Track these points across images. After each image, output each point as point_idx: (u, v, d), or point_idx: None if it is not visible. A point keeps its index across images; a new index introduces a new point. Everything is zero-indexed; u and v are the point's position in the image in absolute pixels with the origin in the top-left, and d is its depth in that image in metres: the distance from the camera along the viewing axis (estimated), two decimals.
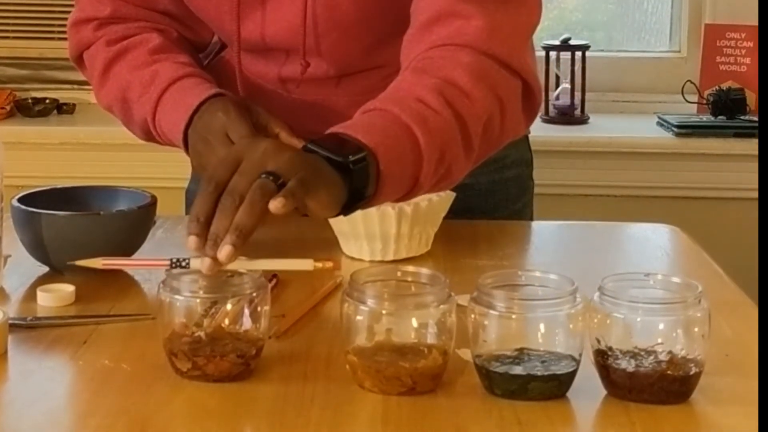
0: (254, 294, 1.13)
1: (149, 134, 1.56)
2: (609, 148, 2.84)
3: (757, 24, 2.89)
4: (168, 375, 1.13)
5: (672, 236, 1.67)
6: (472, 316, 1.10)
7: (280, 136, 1.43)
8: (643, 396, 1.08)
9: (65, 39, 1.66)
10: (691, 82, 2.95)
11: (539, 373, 1.08)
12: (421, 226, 1.49)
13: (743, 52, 2.96)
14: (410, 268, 1.17)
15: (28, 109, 2.93)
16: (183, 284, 1.13)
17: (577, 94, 2.96)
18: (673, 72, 3.04)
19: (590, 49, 2.97)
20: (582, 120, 2.97)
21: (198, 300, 1.13)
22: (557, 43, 2.96)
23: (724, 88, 2.93)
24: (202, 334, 1.12)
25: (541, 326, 1.09)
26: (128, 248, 1.40)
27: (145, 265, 1.19)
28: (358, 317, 1.10)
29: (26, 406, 1.08)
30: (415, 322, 1.10)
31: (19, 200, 1.43)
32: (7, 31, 3.02)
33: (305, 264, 1.18)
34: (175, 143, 1.50)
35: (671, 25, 3.11)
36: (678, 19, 3.09)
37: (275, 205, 1.12)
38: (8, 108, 2.91)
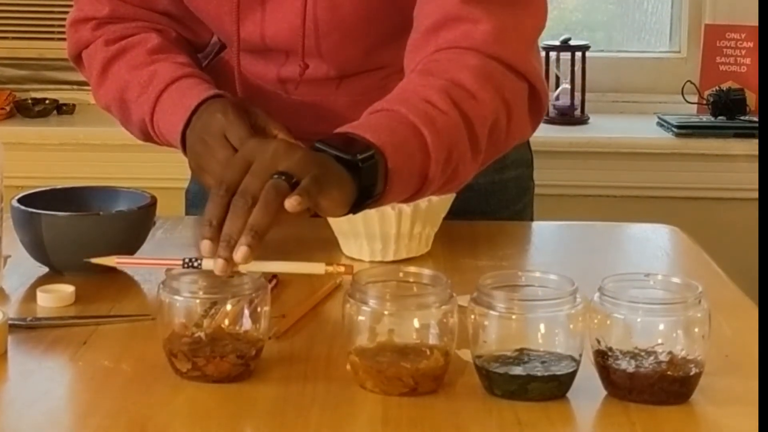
0: (254, 294, 1.13)
1: (147, 134, 1.56)
2: (609, 148, 2.84)
3: (757, 24, 2.89)
4: (168, 375, 1.13)
5: (672, 236, 1.67)
6: (472, 316, 1.10)
7: (278, 138, 1.42)
8: (643, 396, 1.08)
9: (65, 39, 1.65)
10: (691, 83, 2.95)
11: (539, 374, 1.08)
12: (421, 226, 1.49)
13: (743, 52, 2.96)
14: (412, 268, 1.17)
15: (27, 110, 2.93)
16: (183, 285, 1.13)
17: (577, 95, 2.96)
18: (673, 72, 3.04)
19: (590, 49, 2.97)
20: (582, 120, 2.97)
21: (198, 300, 1.13)
22: (557, 43, 2.96)
23: (724, 89, 2.93)
24: (201, 334, 1.12)
25: (541, 327, 1.09)
26: (128, 249, 1.40)
27: (158, 264, 1.18)
28: (360, 318, 1.10)
29: (26, 406, 1.08)
30: (416, 323, 1.10)
31: (19, 201, 1.42)
32: (6, 31, 3.02)
33: (317, 268, 1.18)
34: (173, 144, 1.50)
35: (671, 26, 3.11)
36: (678, 19, 3.09)
37: (291, 203, 1.12)
38: (8, 108, 2.91)
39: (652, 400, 1.08)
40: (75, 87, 2.96)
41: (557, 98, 2.97)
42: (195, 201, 1.73)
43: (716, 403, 1.09)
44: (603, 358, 1.09)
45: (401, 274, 1.17)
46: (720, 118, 2.90)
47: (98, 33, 1.60)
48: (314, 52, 1.54)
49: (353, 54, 1.55)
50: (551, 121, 2.94)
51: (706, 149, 2.83)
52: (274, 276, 1.36)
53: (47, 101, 2.95)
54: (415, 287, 1.15)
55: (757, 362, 1.14)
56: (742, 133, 2.83)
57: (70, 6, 1.65)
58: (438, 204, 1.50)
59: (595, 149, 2.84)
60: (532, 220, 1.76)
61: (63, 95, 2.99)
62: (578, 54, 2.95)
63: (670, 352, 1.08)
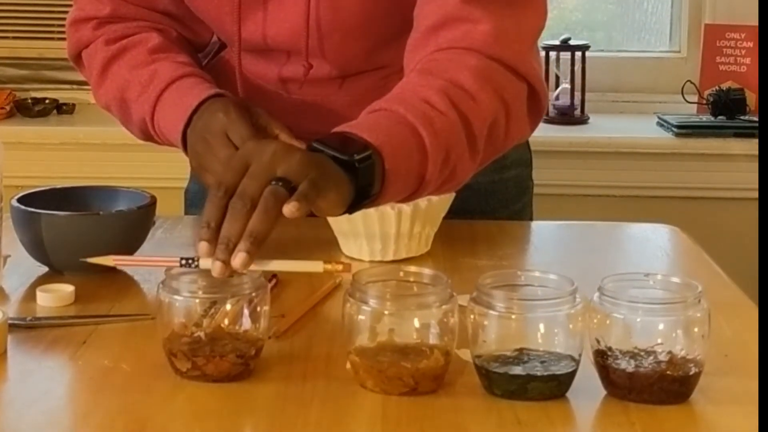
0: (254, 294, 1.13)
1: (147, 134, 1.56)
2: (609, 148, 2.84)
3: (756, 24, 2.89)
4: (167, 375, 1.13)
5: (672, 236, 1.67)
6: (472, 316, 1.10)
7: (280, 138, 1.42)
8: (643, 396, 1.08)
9: (65, 39, 1.65)
10: (691, 83, 2.95)
11: (539, 374, 1.08)
12: (421, 226, 1.49)
13: (743, 52, 2.96)
14: (412, 268, 1.17)
15: (27, 109, 2.93)
16: (182, 284, 1.13)
17: (577, 94, 2.96)
18: (672, 72, 3.05)
19: (590, 49, 2.97)
20: (582, 120, 2.97)
21: (197, 300, 1.13)
22: (557, 43, 2.96)
23: (724, 88, 2.93)
24: (201, 334, 1.12)
25: (541, 326, 1.09)
26: (128, 248, 1.40)
27: (155, 264, 1.18)
28: (360, 317, 1.10)
29: (26, 406, 1.08)
30: (417, 323, 1.10)
31: (19, 200, 1.42)
32: (6, 31, 3.02)
33: (314, 266, 1.18)
34: (174, 143, 1.50)
35: (671, 25, 3.11)
36: (678, 19, 3.09)
37: (290, 209, 1.12)
38: (8, 108, 2.91)
39: (652, 400, 1.08)
40: (75, 87, 2.96)
41: (557, 98, 2.97)
42: (194, 200, 1.73)
43: (716, 402, 1.09)
44: (603, 358, 1.09)
45: (401, 274, 1.17)
46: (720, 117, 2.90)
47: (99, 32, 1.60)
48: (317, 52, 1.54)
49: (355, 54, 1.55)
50: (551, 121, 2.94)
51: (705, 149, 2.83)
52: (274, 276, 1.36)
53: (47, 101, 2.95)
54: (416, 287, 1.15)
55: (756, 362, 1.14)
56: (741, 133, 2.83)
57: (70, 6, 1.65)
58: (438, 204, 1.50)
59: (595, 149, 2.84)
60: (531, 219, 1.76)
61: (63, 95, 2.99)
62: (578, 54, 2.95)
63: (669, 352, 1.08)
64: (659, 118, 2.93)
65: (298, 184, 1.14)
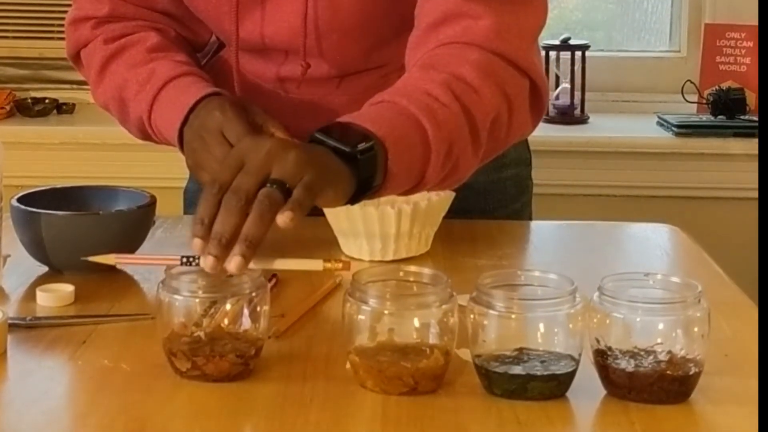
0: (253, 294, 1.13)
1: (145, 132, 1.56)
2: (609, 147, 2.84)
3: (756, 24, 2.89)
4: (167, 375, 1.13)
5: (672, 236, 1.67)
6: (472, 315, 1.10)
7: (273, 137, 1.42)
8: (643, 396, 1.08)
9: (65, 39, 1.65)
10: (691, 82, 2.95)
11: (539, 373, 1.08)
12: (421, 225, 1.49)
13: (743, 51, 2.96)
14: (412, 268, 1.17)
15: (27, 109, 2.93)
16: (182, 284, 1.13)
17: (577, 94, 2.96)
18: (672, 72, 3.05)
19: (590, 48, 2.97)
20: (582, 120, 2.97)
21: (197, 300, 1.13)
22: (557, 42, 2.96)
23: (724, 88, 2.93)
24: (201, 333, 1.12)
25: (541, 326, 1.09)
26: (128, 248, 1.40)
27: (156, 262, 1.18)
28: (360, 317, 1.10)
29: (26, 405, 1.08)
30: (417, 322, 1.10)
31: (19, 200, 1.42)
32: (6, 30, 3.02)
33: (314, 264, 1.18)
34: (171, 142, 1.50)
35: (671, 25, 3.11)
36: (678, 18, 3.09)
37: (283, 220, 1.12)
38: (8, 108, 2.91)
39: (652, 400, 1.08)
40: (75, 86, 2.96)
41: (557, 97, 2.97)
42: (193, 200, 1.73)
43: (715, 402, 1.09)
44: (602, 358, 1.09)
45: (401, 274, 1.17)
46: (720, 117, 2.90)
47: (97, 32, 1.60)
48: (315, 51, 1.54)
49: (353, 53, 1.55)
50: (551, 121, 2.95)
51: (705, 149, 2.83)
52: (274, 275, 1.36)
53: (47, 100, 2.95)
54: (415, 286, 1.15)
55: (756, 362, 1.14)
56: (741, 133, 2.83)
57: (70, 5, 1.65)
58: (438, 203, 1.50)
59: (595, 149, 2.84)
60: (530, 219, 1.76)
61: (63, 95, 2.99)
62: (578, 53, 2.95)
63: (669, 352, 1.08)
64: (659, 117, 2.93)
65: (293, 186, 1.14)
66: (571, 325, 1.09)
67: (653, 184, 2.86)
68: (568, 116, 2.96)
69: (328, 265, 1.17)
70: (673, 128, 2.85)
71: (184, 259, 1.15)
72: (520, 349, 1.09)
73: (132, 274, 1.42)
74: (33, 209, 1.40)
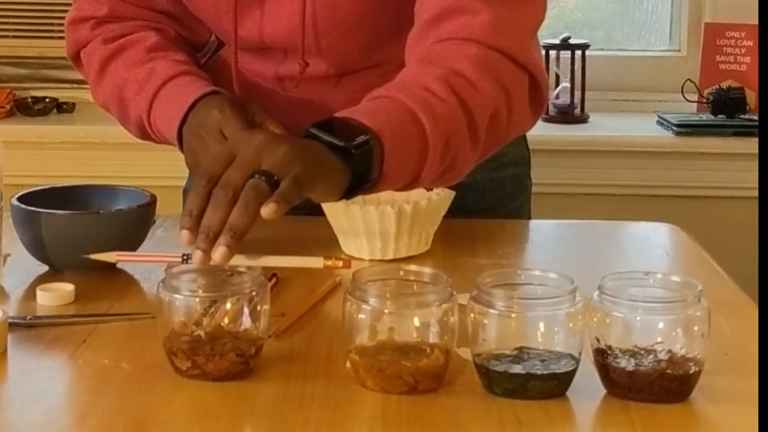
0: (254, 293, 1.13)
1: (144, 132, 1.56)
2: (609, 147, 2.84)
3: (756, 23, 2.89)
4: (167, 374, 1.13)
5: (672, 235, 1.67)
6: (472, 315, 1.10)
7: (265, 130, 1.42)
8: (643, 395, 1.08)
9: (64, 38, 1.65)
10: (691, 81, 2.95)
11: (539, 372, 1.08)
12: (421, 224, 1.49)
13: (743, 51, 2.96)
14: (412, 267, 1.17)
15: (27, 108, 2.93)
16: (182, 283, 1.13)
17: (577, 93, 2.96)
18: (672, 71, 3.04)
19: (590, 48, 2.97)
20: (582, 119, 2.97)
21: (197, 299, 1.13)
22: (557, 42, 2.96)
23: (724, 87, 2.93)
24: (201, 333, 1.12)
25: (541, 325, 1.09)
26: (128, 247, 1.40)
27: (157, 260, 1.18)
28: (361, 316, 1.10)
29: (26, 405, 1.08)
30: (417, 321, 1.10)
31: (19, 199, 1.43)
32: (6, 30, 3.02)
33: (315, 262, 1.18)
34: (170, 141, 1.50)
35: (671, 24, 3.11)
36: (678, 17, 3.09)
37: (266, 211, 1.12)
38: (8, 107, 2.91)
39: (652, 399, 1.08)
40: (75, 85, 2.96)
41: (557, 97, 2.97)
42: None
43: (716, 401, 1.09)
44: (602, 357, 1.09)
45: (402, 273, 1.17)
46: (720, 116, 2.90)
47: (97, 32, 1.60)
48: (313, 50, 1.54)
49: (352, 52, 1.55)
50: (551, 120, 2.95)
51: (705, 148, 2.83)
52: (274, 274, 1.36)
53: (47, 100, 2.95)
54: (416, 285, 1.15)
55: (756, 361, 1.14)
56: (741, 132, 2.83)
57: (70, 5, 1.65)
58: (438, 202, 1.50)
59: (595, 148, 2.84)
60: (529, 218, 1.76)
61: (63, 94, 2.98)
62: (578, 53, 2.95)
63: (669, 351, 1.08)
64: (659, 116, 2.93)
65: (281, 179, 1.14)
66: (571, 324, 1.09)
67: (653, 184, 2.86)
68: (568, 115, 2.96)
69: (329, 262, 1.17)
70: (673, 127, 2.85)
71: (185, 257, 1.15)
72: (521, 348, 1.09)
73: (132, 273, 1.42)
74: (33, 208, 1.40)
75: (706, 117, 2.90)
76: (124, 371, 1.15)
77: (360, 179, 1.24)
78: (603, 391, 1.10)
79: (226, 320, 1.13)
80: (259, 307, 1.13)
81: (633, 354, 1.08)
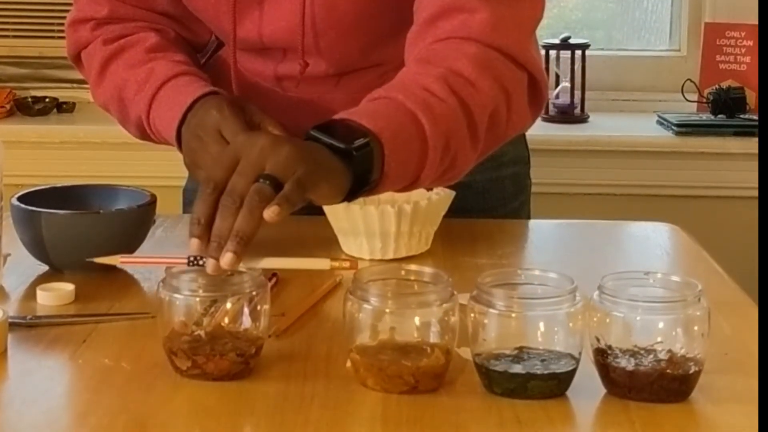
0: (254, 293, 1.13)
1: (144, 132, 1.56)
2: (609, 146, 2.84)
3: (756, 23, 2.89)
4: (168, 374, 1.13)
5: (672, 235, 1.67)
6: (472, 314, 1.10)
7: (267, 133, 1.42)
8: (643, 395, 1.08)
9: (65, 38, 1.66)
10: (691, 81, 2.95)
11: (539, 372, 1.08)
12: (421, 224, 1.49)
13: (743, 50, 2.96)
14: (413, 266, 1.17)
15: (27, 108, 2.93)
16: (182, 283, 1.13)
17: (577, 93, 2.96)
18: (672, 71, 3.05)
19: (590, 47, 2.97)
20: (582, 119, 2.97)
21: (197, 299, 1.13)
22: (557, 41, 2.96)
23: (724, 87, 2.93)
24: (201, 332, 1.12)
25: (541, 325, 1.09)
26: (128, 247, 1.40)
27: (162, 263, 1.19)
28: (361, 315, 1.10)
29: (26, 404, 1.08)
30: (417, 321, 1.10)
31: (19, 199, 1.43)
32: (6, 29, 3.02)
33: (322, 263, 1.18)
34: (169, 141, 1.50)
35: (671, 24, 3.11)
36: (678, 17, 3.09)
37: (269, 214, 1.12)
38: (8, 107, 2.91)
39: (652, 399, 1.08)
40: (75, 85, 2.96)
41: (557, 96, 2.97)
42: (193, 199, 1.71)
43: (716, 401, 1.09)
44: (602, 357, 1.09)
45: (403, 272, 1.17)
46: (720, 116, 2.90)
47: (97, 33, 1.60)
48: (313, 50, 1.54)
49: (351, 51, 1.55)
50: (551, 120, 2.95)
51: (705, 148, 2.83)
52: (274, 274, 1.36)
53: (47, 99, 2.95)
54: (416, 285, 1.15)
55: (756, 360, 1.14)
56: (741, 132, 2.83)
57: (70, 5, 1.65)
58: (438, 202, 1.50)
59: (595, 147, 2.84)
60: (528, 217, 1.76)
61: (63, 93, 2.98)
62: (578, 52, 2.95)
63: (669, 351, 1.08)
64: (659, 116, 2.93)
65: (285, 181, 1.14)
66: (571, 324, 1.09)
67: (653, 183, 2.86)
68: (568, 115, 2.96)
69: (335, 264, 1.18)
70: (673, 127, 2.85)
71: (192, 259, 1.15)
72: (521, 348, 1.09)
73: (132, 273, 1.42)
74: (33, 208, 1.40)
75: (706, 117, 2.90)
76: (124, 371, 1.15)
77: (361, 181, 1.24)
78: (603, 391, 1.10)
79: (226, 320, 1.13)
80: (259, 307, 1.13)
81: (633, 354, 1.08)
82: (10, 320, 1.22)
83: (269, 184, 1.14)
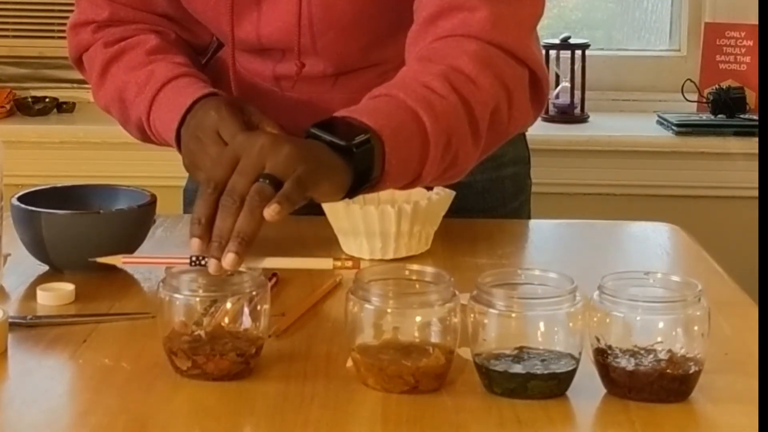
0: (254, 293, 1.13)
1: (144, 134, 1.56)
2: (609, 146, 2.84)
3: (756, 23, 2.89)
4: (168, 374, 1.13)
5: (672, 235, 1.67)
6: (472, 314, 1.10)
7: (266, 132, 1.42)
8: (643, 395, 1.08)
9: (65, 38, 1.66)
10: (691, 81, 2.95)
11: (539, 372, 1.08)
12: (421, 224, 1.49)
13: (743, 50, 2.96)
14: (415, 266, 1.17)
15: (27, 108, 2.93)
16: (183, 283, 1.13)
17: (577, 93, 2.96)
18: (672, 71, 3.04)
19: (590, 47, 2.97)
20: (582, 119, 2.97)
21: (198, 299, 1.13)
22: (557, 41, 2.96)
23: (724, 87, 2.93)
24: (201, 332, 1.12)
25: (541, 325, 1.09)
26: (128, 247, 1.40)
27: (164, 263, 1.19)
28: (363, 315, 1.10)
29: (26, 404, 1.08)
30: (419, 321, 1.10)
31: (19, 199, 1.43)
32: (6, 29, 3.02)
33: (325, 263, 1.18)
34: (169, 143, 1.50)
35: (671, 24, 3.11)
36: (678, 17, 3.09)
37: (269, 213, 1.13)
38: (8, 107, 2.91)
39: (652, 398, 1.08)
40: (75, 85, 2.96)
41: (557, 96, 2.97)
42: (193, 199, 1.71)
43: (716, 401, 1.09)
44: (602, 357, 1.09)
45: (405, 272, 1.17)
46: (720, 116, 2.90)
47: (98, 36, 1.61)
48: (310, 50, 1.54)
49: (349, 51, 1.55)
50: (551, 120, 2.95)
51: (705, 147, 2.83)
52: (274, 274, 1.36)
53: (47, 99, 2.95)
54: (418, 285, 1.15)
55: (756, 360, 1.14)
56: (741, 132, 2.83)
57: (71, 5, 1.65)
58: (438, 202, 1.50)
59: (595, 147, 2.84)
60: (528, 217, 1.76)
61: (63, 93, 2.98)
62: (578, 52, 2.95)
63: (669, 351, 1.08)
64: (659, 116, 2.93)
65: (284, 180, 1.14)
66: (571, 324, 1.09)
67: (653, 183, 2.86)
68: (568, 115, 2.96)
69: (338, 263, 1.18)
70: (673, 127, 2.85)
71: (194, 259, 1.15)
72: (521, 348, 1.09)
73: (132, 273, 1.42)
74: (33, 208, 1.40)
75: (706, 117, 2.90)
76: (124, 371, 1.15)
77: (362, 178, 1.24)
78: (603, 390, 1.10)
79: (226, 320, 1.13)
80: (259, 307, 1.13)
81: (633, 354, 1.08)
82: (10, 320, 1.22)
83: (269, 183, 1.14)
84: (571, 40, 2.96)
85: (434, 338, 1.10)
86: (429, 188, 1.49)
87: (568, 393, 1.09)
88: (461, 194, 1.54)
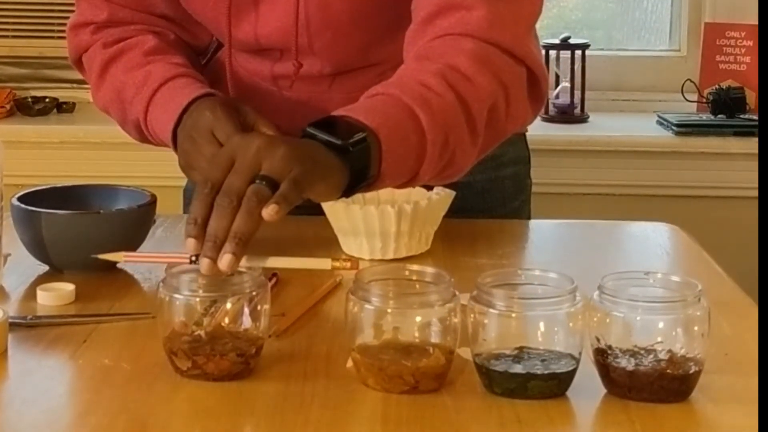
0: (254, 293, 1.13)
1: (142, 134, 1.57)
2: (609, 146, 2.84)
3: (756, 23, 2.89)
4: (168, 374, 1.13)
5: (672, 235, 1.67)
6: (472, 315, 1.10)
7: (262, 133, 1.42)
8: (643, 395, 1.08)
9: (65, 38, 1.66)
10: (691, 81, 2.95)
11: (539, 372, 1.08)
12: (421, 224, 1.49)
13: (743, 50, 2.96)
14: (415, 266, 1.17)
15: (27, 108, 2.93)
16: (183, 283, 1.13)
17: (577, 93, 2.96)
18: (672, 71, 3.05)
19: (590, 47, 2.97)
20: (582, 119, 2.97)
21: (198, 299, 1.13)
22: (557, 41, 2.96)
23: (724, 87, 2.93)
24: (201, 332, 1.12)
25: (541, 325, 1.09)
26: (128, 247, 1.40)
27: (165, 260, 1.19)
28: (363, 315, 1.10)
29: (26, 404, 1.08)
30: (419, 321, 1.10)
31: (19, 199, 1.43)
32: (6, 30, 3.02)
33: (323, 263, 1.18)
34: (166, 143, 1.50)
35: (671, 24, 3.11)
36: (678, 17, 3.09)
37: (268, 212, 1.13)
38: (8, 107, 2.91)
39: (652, 399, 1.08)
40: (75, 85, 2.96)
41: (557, 96, 2.97)
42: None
43: (716, 401, 1.09)
44: (603, 357, 1.09)
45: (405, 273, 1.17)
46: (720, 116, 2.90)
47: (97, 36, 1.61)
48: (307, 50, 1.54)
49: (347, 51, 1.55)
50: (551, 120, 2.95)
51: (705, 148, 2.83)
52: (274, 274, 1.36)
53: (47, 99, 2.95)
54: (418, 285, 1.15)
55: (756, 360, 1.14)
56: (741, 132, 2.83)
57: (70, 5, 1.66)
58: (438, 202, 1.50)
59: (594, 147, 2.85)
60: (528, 217, 1.76)
61: (63, 93, 2.98)
62: (578, 52, 2.95)
63: (669, 351, 1.08)
64: (659, 116, 2.93)
65: (281, 181, 1.15)
66: (571, 324, 1.09)
67: (653, 183, 2.86)
68: (568, 115, 2.96)
69: (336, 263, 1.18)
70: (673, 127, 2.85)
71: (193, 258, 1.15)
72: (521, 348, 1.09)
73: (132, 273, 1.42)
74: (33, 208, 1.40)
75: (706, 117, 2.90)
76: (124, 371, 1.15)
77: (359, 177, 1.24)
78: (603, 390, 1.10)
79: (226, 320, 1.13)
80: (259, 307, 1.13)
81: (633, 354, 1.08)
82: (10, 320, 1.22)
83: (266, 184, 1.14)
84: (571, 40, 2.96)
85: (434, 338, 1.10)
86: (429, 188, 1.49)
87: (568, 393, 1.09)
88: (461, 194, 1.54)
